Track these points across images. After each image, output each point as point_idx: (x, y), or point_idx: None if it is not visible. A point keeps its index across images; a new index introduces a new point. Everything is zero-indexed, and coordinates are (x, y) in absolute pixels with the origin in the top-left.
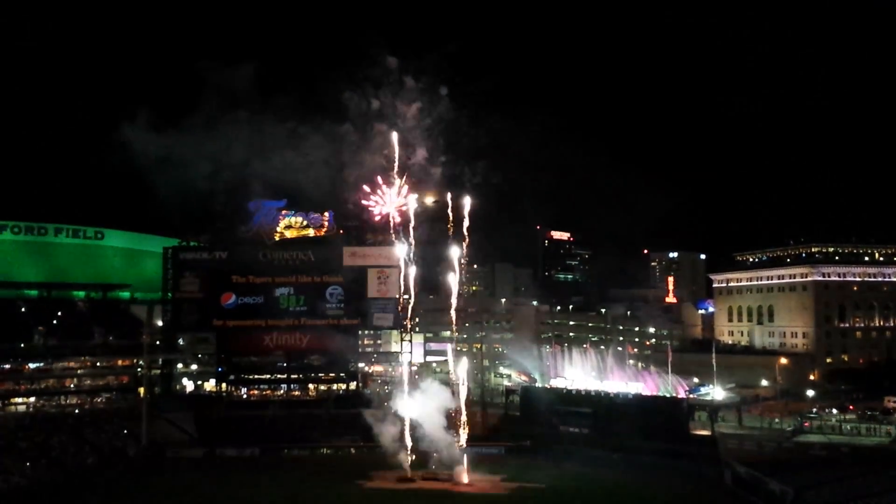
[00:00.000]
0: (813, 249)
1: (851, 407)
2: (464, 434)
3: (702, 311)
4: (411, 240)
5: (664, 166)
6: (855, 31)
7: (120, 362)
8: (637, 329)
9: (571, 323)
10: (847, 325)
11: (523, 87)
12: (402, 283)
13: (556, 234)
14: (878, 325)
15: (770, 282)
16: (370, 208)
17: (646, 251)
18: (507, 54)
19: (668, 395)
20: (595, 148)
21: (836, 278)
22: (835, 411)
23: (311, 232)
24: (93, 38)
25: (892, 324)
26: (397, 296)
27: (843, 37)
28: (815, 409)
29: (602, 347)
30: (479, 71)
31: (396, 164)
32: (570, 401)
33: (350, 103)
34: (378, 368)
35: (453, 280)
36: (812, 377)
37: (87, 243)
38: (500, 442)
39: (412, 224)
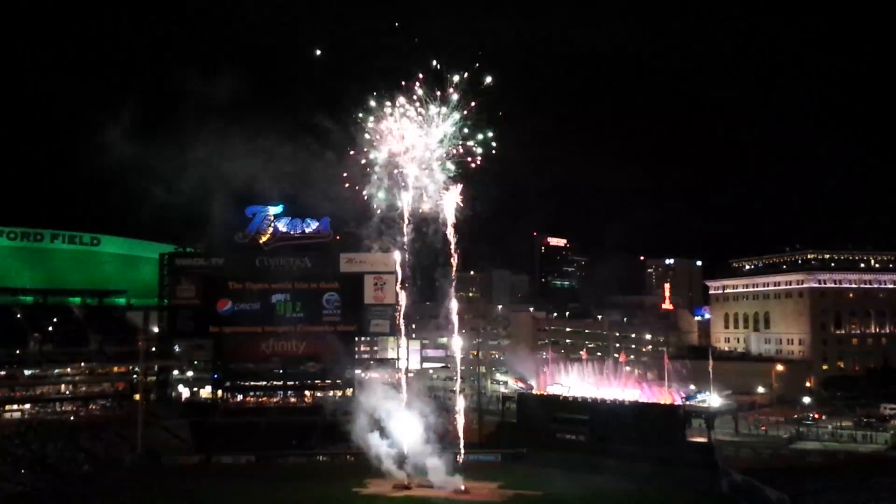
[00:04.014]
0: (809, 256)
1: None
2: (461, 441)
3: (698, 318)
4: (407, 246)
5: (661, 173)
6: (851, 38)
7: (116, 369)
8: (634, 336)
9: (568, 330)
10: (843, 331)
11: (520, 92)
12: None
13: (553, 241)
14: (874, 331)
15: (766, 288)
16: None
17: (642, 258)
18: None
19: (664, 403)
20: (592, 155)
21: (833, 285)
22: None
23: (308, 237)
24: (88, 42)
25: (888, 330)
26: (394, 302)
27: (840, 41)
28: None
29: (599, 354)
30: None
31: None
32: (567, 408)
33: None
34: (374, 375)
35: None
36: (808, 384)
37: (83, 249)
38: (497, 449)
39: (409, 230)
